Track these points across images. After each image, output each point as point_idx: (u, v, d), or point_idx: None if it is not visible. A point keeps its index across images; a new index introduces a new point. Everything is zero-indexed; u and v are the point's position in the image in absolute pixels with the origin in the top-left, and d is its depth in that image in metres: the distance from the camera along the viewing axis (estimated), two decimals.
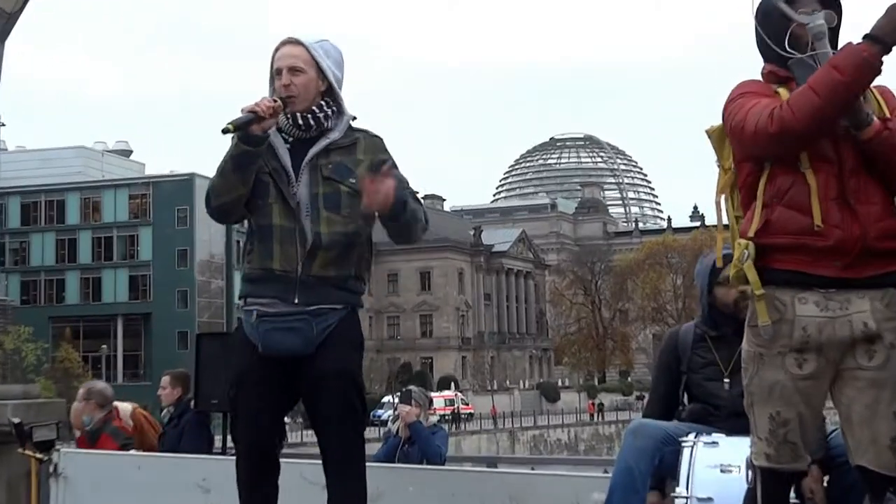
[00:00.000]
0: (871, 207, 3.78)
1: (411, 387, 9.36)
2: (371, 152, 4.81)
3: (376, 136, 4.91)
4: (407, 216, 4.71)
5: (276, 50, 4.81)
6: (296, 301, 4.66)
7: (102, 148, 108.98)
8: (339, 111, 4.84)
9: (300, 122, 4.76)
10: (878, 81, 3.80)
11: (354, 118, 4.88)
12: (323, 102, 4.80)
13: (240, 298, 4.88)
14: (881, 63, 3.69)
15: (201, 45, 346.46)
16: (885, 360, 3.74)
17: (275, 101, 4.66)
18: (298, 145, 4.78)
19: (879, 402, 3.74)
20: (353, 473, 4.76)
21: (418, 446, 8.76)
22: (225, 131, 4.53)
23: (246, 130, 4.58)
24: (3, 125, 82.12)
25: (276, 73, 4.78)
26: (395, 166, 4.81)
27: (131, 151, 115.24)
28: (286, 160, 4.76)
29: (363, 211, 4.66)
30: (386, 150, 4.88)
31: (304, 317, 4.66)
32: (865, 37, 3.71)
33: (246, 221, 4.90)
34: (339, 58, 4.91)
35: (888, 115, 3.85)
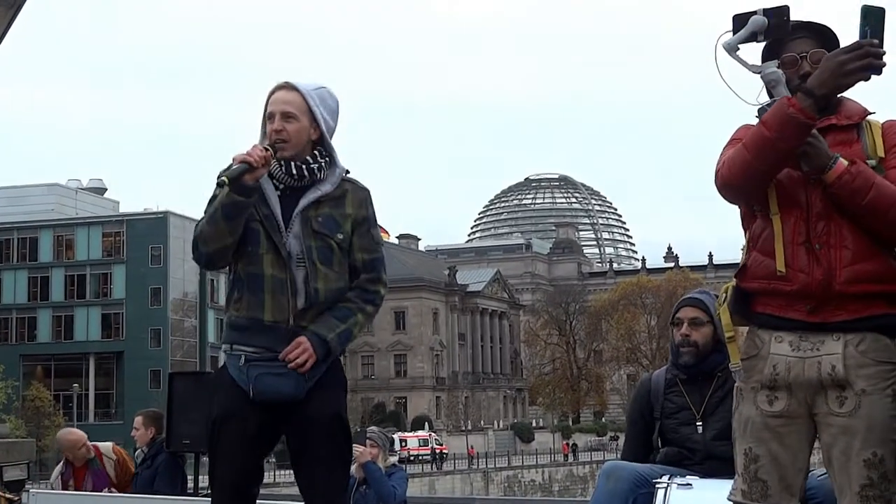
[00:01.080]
0: (842, 251, 3.77)
1: (372, 427, 9.27)
2: (356, 206, 4.78)
3: (363, 189, 4.86)
4: (333, 353, 4.71)
5: (271, 94, 4.76)
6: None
7: (76, 185, 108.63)
8: (332, 162, 4.80)
9: (294, 171, 4.70)
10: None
11: (348, 172, 4.83)
12: (316, 153, 4.75)
13: (224, 344, 4.83)
14: (811, 117, 3.70)
15: (178, 83, 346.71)
16: (855, 407, 3.73)
17: (266, 149, 4.60)
18: (289, 193, 4.73)
19: (851, 449, 3.73)
20: None
21: (373, 488, 8.69)
22: (220, 184, 4.50)
23: (239, 180, 4.53)
24: None
25: (268, 117, 4.73)
26: (373, 223, 4.84)
27: (105, 189, 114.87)
28: (276, 209, 4.71)
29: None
30: (370, 205, 4.85)
31: None
32: (799, 88, 3.74)
33: (229, 266, 4.87)
34: (335, 107, 4.86)
35: (882, 153, 3.84)
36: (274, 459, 48.54)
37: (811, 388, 3.79)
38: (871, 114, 3.94)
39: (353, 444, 8.84)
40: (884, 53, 3.70)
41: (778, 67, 3.89)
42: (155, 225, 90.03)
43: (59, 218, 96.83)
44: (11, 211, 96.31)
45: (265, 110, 4.76)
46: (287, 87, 4.76)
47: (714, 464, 5.23)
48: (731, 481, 4.85)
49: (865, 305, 3.75)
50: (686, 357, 5.39)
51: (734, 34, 3.87)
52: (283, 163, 4.70)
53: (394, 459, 9.06)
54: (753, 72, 3.90)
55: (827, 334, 3.78)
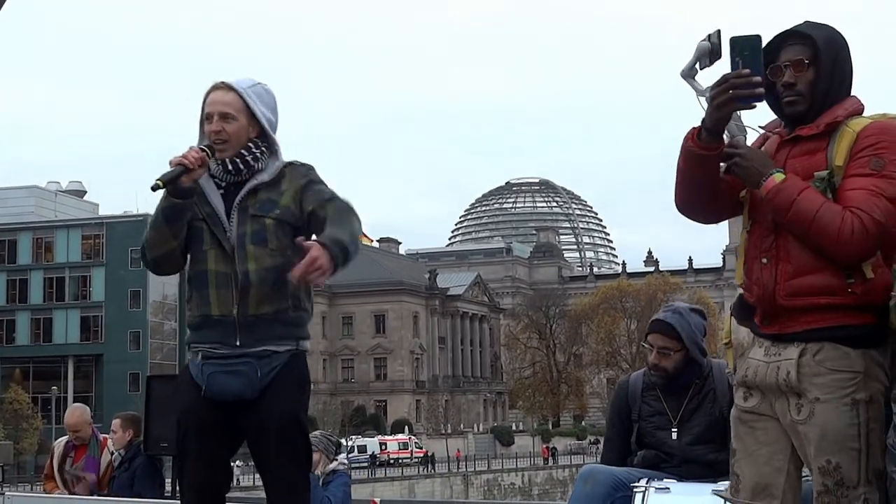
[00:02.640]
0: (784, 266, 3.82)
1: (315, 432, 9.15)
2: (294, 179, 4.76)
3: (303, 165, 4.85)
4: (351, 256, 4.57)
5: (207, 94, 4.77)
6: (237, 343, 4.63)
7: (56, 188, 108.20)
8: (272, 152, 4.80)
9: (230, 167, 4.71)
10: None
11: (289, 163, 4.82)
12: (251, 144, 4.74)
13: (186, 344, 4.86)
14: (705, 148, 3.83)
15: (159, 84, 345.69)
16: (809, 415, 3.76)
17: (202, 150, 4.63)
18: (231, 189, 4.75)
19: (808, 456, 3.79)
20: None
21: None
22: (155, 188, 4.52)
23: (175, 183, 4.56)
24: None
25: (206, 118, 4.74)
26: (317, 181, 4.77)
27: (85, 192, 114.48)
28: (219, 205, 4.73)
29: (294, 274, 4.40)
30: (313, 174, 4.81)
31: (248, 360, 4.63)
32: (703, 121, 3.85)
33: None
34: (273, 102, 4.87)
35: (841, 161, 3.79)
36: (252, 463, 48.39)
37: (773, 392, 3.86)
38: (856, 116, 3.87)
39: None
40: (759, 83, 3.75)
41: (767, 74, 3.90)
42: (135, 227, 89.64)
43: (39, 220, 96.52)
44: None
45: (202, 111, 4.77)
46: (224, 87, 4.77)
47: (691, 467, 5.25)
48: (708, 485, 4.88)
49: (820, 317, 3.77)
50: (655, 378, 5.42)
51: (731, 59, 3.86)
52: (219, 161, 4.71)
53: (334, 465, 8.93)
54: (699, 96, 3.94)
55: (790, 343, 3.82)
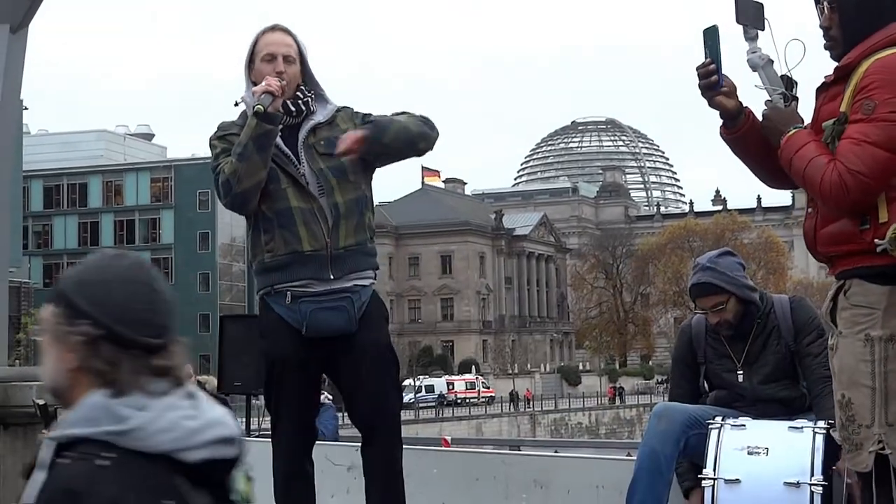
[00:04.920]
0: (819, 216, 3.85)
1: None
2: (349, 120, 4.91)
3: (347, 107, 5.01)
4: (392, 137, 4.81)
5: (264, 34, 4.90)
6: (331, 276, 4.71)
7: (124, 131, 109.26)
8: (322, 97, 4.95)
9: (291, 108, 4.85)
10: None
11: (341, 108, 4.98)
12: (304, 87, 4.91)
13: (263, 289, 4.88)
14: (728, 132, 4.01)
15: (224, 28, 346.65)
16: (834, 347, 3.80)
17: (280, 80, 4.74)
18: (286, 131, 4.85)
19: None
20: (394, 443, 4.87)
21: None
22: (257, 114, 4.63)
23: (265, 110, 4.67)
24: (27, 109, 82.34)
25: (265, 57, 4.84)
26: (374, 116, 4.93)
27: (153, 135, 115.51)
28: (283, 146, 4.82)
29: (352, 166, 4.80)
30: (362, 113, 4.97)
31: (345, 295, 4.73)
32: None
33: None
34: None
35: (847, 107, 3.70)
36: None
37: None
38: (882, 50, 3.70)
39: None
40: (712, 71, 3.90)
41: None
42: (202, 170, 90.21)
43: (108, 164, 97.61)
44: (61, 157, 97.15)
45: (255, 51, 4.89)
46: (282, 30, 4.93)
47: (765, 406, 5.21)
48: (784, 422, 4.84)
49: (847, 261, 3.75)
50: (726, 332, 5.34)
51: (736, 16, 3.93)
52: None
53: (321, 398, 9.03)
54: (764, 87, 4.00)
55: (837, 282, 3.84)
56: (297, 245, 4.73)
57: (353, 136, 4.68)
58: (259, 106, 4.61)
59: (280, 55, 4.82)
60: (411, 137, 4.85)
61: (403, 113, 4.93)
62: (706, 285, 5.29)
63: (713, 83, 3.92)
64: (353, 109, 4.98)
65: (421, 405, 74.21)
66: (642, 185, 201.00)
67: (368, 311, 4.80)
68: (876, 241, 3.58)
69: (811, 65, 3.93)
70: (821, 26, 3.85)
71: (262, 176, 4.72)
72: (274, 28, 4.91)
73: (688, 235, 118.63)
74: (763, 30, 3.95)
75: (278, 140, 4.79)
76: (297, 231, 4.72)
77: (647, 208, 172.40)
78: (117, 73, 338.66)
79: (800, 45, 3.87)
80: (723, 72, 3.94)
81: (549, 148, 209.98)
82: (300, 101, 4.86)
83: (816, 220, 3.83)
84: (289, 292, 4.74)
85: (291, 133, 4.85)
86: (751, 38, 3.98)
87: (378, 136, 4.74)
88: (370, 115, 4.93)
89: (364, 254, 4.83)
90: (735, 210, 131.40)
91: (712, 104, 3.97)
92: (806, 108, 3.90)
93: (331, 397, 9.19)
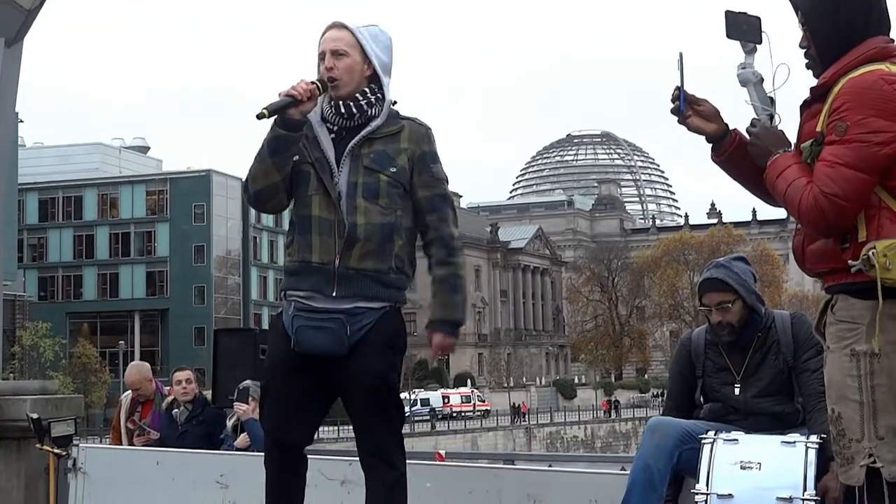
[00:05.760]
0: (803, 234, 3.87)
1: (247, 382, 9.20)
2: (414, 142, 4.69)
3: (422, 125, 4.78)
4: (463, 317, 5.01)
5: (322, 34, 4.71)
6: (334, 294, 4.57)
7: (120, 144, 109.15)
8: (383, 97, 4.71)
9: (342, 109, 4.65)
10: None
11: (395, 102, 4.75)
12: (367, 89, 4.67)
13: (281, 291, 4.82)
14: (715, 154, 4.04)
15: (220, 41, 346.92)
16: (824, 363, 3.82)
17: (312, 83, 4.56)
18: (343, 134, 4.68)
19: None
20: (385, 473, 4.70)
21: (254, 447, 8.68)
22: (260, 116, 4.46)
23: (283, 114, 4.51)
24: (22, 122, 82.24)
25: (320, 57, 4.68)
26: (432, 157, 4.75)
27: (148, 148, 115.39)
28: (329, 151, 4.65)
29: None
30: (430, 141, 4.76)
31: (338, 316, 4.58)
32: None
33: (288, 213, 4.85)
34: (388, 42, 4.77)
35: (823, 126, 3.72)
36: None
37: None
38: (859, 68, 3.70)
39: (236, 403, 8.93)
40: (675, 97, 3.98)
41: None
42: (198, 183, 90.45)
43: (104, 176, 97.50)
44: (56, 170, 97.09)
45: (318, 52, 4.71)
46: (337, 25, 4.71)
47: (758, 419, 5.22)
48: (777, 436, 4.85)
49: (833, 277, 3.78)
50: (726, 338, 5.34)
51: (727, 32, 3.94)
52: (333, 103, 4.66)
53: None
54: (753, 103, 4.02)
55: (827, 297, 3.87)
56: (307, 254, 4.62)
57: (442, 346, 4.83)
58: (263, 110, 4.45)
59: (328, 51, 4.63)
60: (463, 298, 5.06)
61: (437, 205, 4.81)
62: (716, 280, 5.30)
63: (674, 109, 3.97)
64: (427, 130, 4.78)
65: (416, 419, 74.10)
66: (637, 198, 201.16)
67: (369, 336, 4.59)
68: (850, 261, 3.61)
69: (806, 79, 3.93)
70: (800, 46, 3.87)
71: (275, 180, 4.62)
72: (329, 26, 4.72)
73: (683, 248, 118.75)
74: (760, 43, 3.95)
75: (326, 143, 4.66)
76: (311, 240, 4.62)
77: (642, 221, 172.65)
78: (113, 86, 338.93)
79: (786, 69, 3.90)
80: (685, 98, 3.97)
81: (544, 161, 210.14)
82: (352, 104, 4.65)
83: (804, 237, 3.84)
84: (294, 302, 4.68)
85: (348, 136, 4.66)
86: (748, 51, 3.98)
87: (457, 332, 4.97)
88: (434, 163, 4.75)
89: (381, 282, 4.65)
90: (730, 223, 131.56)
91: (688, 129, 4.00)
92: (791, 125, 3.93)
93: None
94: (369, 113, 4.67)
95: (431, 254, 4.77)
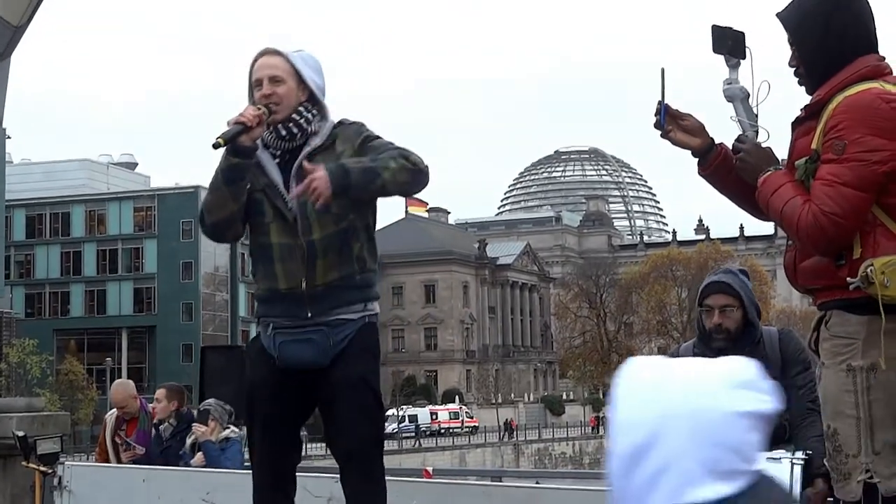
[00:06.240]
0: (798, 251, 3.91)
1: (209, 400, 9.26)
2: (348, 140, 4.70)
3: (353, 123, 4.79)
4: (368, 187, 4.52)
5: (255, 61, 4.73)
6: (308, 315, 4.60)
7: (107, 161, 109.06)
8: (323, 117, 4.75)
9: (283, 132, 4.67)
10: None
11: (339, 123, 4.76)
12: (301, 108, 4.69)
13: (255, 317, 4.86)
14: (701, 168, 4.07)
15: (208, 57, 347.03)
16: (819, 379, 3.86)
17: (258, 108, 4.58)
18: (287, 157, 4.70)
19: None
20: (373, 479, 4.69)
21: (208, 465, 8.75)
22: (216, 146, 4.47)
23: (234, 142, 4.52)
24: (9, 138, 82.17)
25: (255, 84, 4.69)
26: (373, 136, 4.72)
27: (136, 164, 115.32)
28: (275, 175, 4.68)
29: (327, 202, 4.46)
30: (365, 130, 4.75)
31: (320, 328, 4.60)
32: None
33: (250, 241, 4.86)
34: (318, 66, 4.81)
35: (818, 144, 3.75)
36: (305, 432, 48.76)
37: None
38: (852, 86, 3.74)
39: (194, 424, 9.00)
40: (657, 112, 4.01)
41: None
42: (186, 199, 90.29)
43: (91, 193, 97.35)
44: (44, 186, 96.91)
45: (250, 79, 4.73)
46: (270, 52, 4.75)
47: None
48: (762, 453, 4.83)
49: (827, 294, 3.81)
50: (719, 343, 5.34)
51: (713, 46, 3.97)
52: (272, 128, 4.67)
53: (227, 433, 9.07)
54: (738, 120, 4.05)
55: (820, 313, 3.89)
56: (273, 283, 4.66)
57: (315, 182, 4.38)
58: (218, 139, 4.45)
59: (265, 77, 4.66)
60: (401, 186, 4.60)
61: (394, 148, 4.64)
62: (725, 284, 5.33)
63: (656, 124, 4.00)
64: (358, 126, 4.77)
65: (404, 435, 74.00)
66: (625, 214, 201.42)
67: (350, 345, 4.63)
68: (848, 279, 3.62)
69: (792, 94, 3.96)
70: (790, 64, 3.89)
71: (233, 209, 4.64)
72: (261, 53, 4.75)
73: (671, 264, 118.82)
74: (744, 59, 3.97)
75: (272, 168, 4.68)
76: (275, 268, 4.65)
77: (630, 237, 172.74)
78: (101, 102, 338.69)
79: (767, 86, 3.94)
80: (665, 113, 4.00)
81: (532, 177, 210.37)
82: (292, 124, 4.67)
83: (796, 254, 3.87)
84: (271, 323, 4.71)
85: (292, 160, 4.67)
86: (732, 66, 4.00)
87: (338, 184, 4.42)
88: (376, 137, 4.71)
89: (349, 287, 4.65)
90: (718, 239, 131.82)
91: (672, 143, 4.02)
92: (781, 140, 3.94)
93: (237, 431, 9.21)
94: (308, 130, 4.70)
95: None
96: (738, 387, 1.92)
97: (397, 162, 4.55)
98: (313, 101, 4.74)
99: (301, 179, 4.53)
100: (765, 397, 1.95)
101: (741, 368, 1.97)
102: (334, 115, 4.84)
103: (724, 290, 5.33)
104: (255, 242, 4.74)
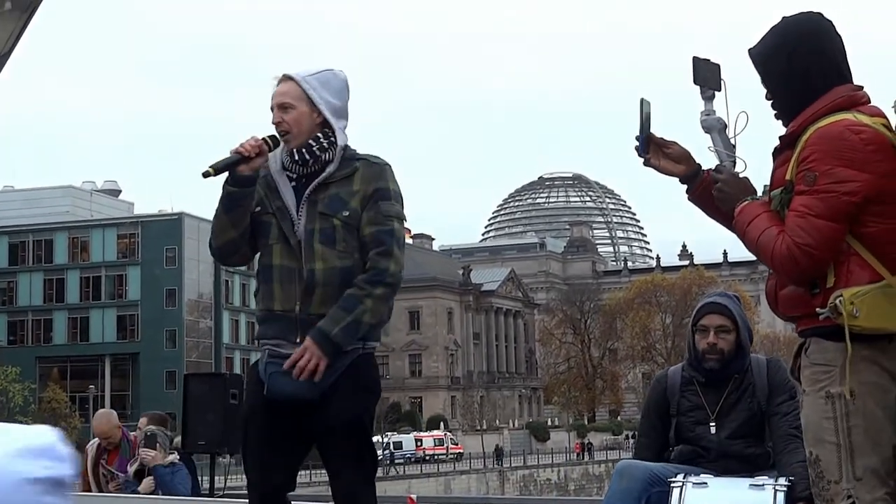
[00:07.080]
0: (775, 279, 3.96)
1: (150, 427, 9.39)
2: (367, 181, 4.69)
3: (377, 163, 4.77)
4: (354, 338, 4.61)
5: (274, 88, 4.78)
6: (298, 341, 4.58)
7: (91, 187, 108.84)
8: (336, 141, 4.73)
9: (297, 157, 4.69)
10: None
11: (346, 147, 4.75)
12: (320, 134, 4.70)
13: (255, 339, 4.93)
14: (690, 194, 4.13)
15: (194, 82, 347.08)
16: (801, 407, 3.88)
17: (262, 139, 4.63)
18: (303, 181, 4.72)
19: None
20: None
21: (161, 492, 8.85)
22: (205, 175, 4.52)
23: (232, 171, 4.58)
24: None
25: (272, 112, 4.75)
26: (385, 194, 4.70)
27: (120, 191, 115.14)
28: (289, 199, 4.70)
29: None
30: (385, 178, 4.73)
31: None
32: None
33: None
34: (339, 84, 4.79)
35: (792, 175, 3.79)
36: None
37: None
38: (825, 117, 3.78)
39: (142, 449, 9.16)
40: (638, 139, 4.09)
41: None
42: (170, 226, 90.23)
43: (74, 220, 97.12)
44: (27, 213, 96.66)
45: (270, 107, 4.78)
46: (283, 79, 4.77)
47: (728, 462, 5.24)
48: (746, 479, 4.86)
49: (805, 322, 3.84)
50: (711, 363, 5.36)
51: (693, 77, 4.02)
52: (289, 152, 4.71)
53: (172, 458, 9.19)
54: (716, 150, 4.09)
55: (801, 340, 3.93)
56: (270, 303, 4.69)
57: (306, 365, 4.48)
58: (209, 168, 4.52)
59: (276, 105, 4.71)
60: (380, 317, 4.72)
61: (382, 241, 4.62)
62: (722, 305, 5.39)
63: (636, 149, 4.07)
64: (380, 169, 4.73)
65: (388, 462, 73.74)
66: (609, 241, 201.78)
67: (342, 382, 4.60)
68: (818, 309, 3.68)
69: (770, 124, 4.00)
70: (766, 98, 3.96)
71: (232, 235, 4.70)
72: (277, 79, 4.78)
73: (655, 290, 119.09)
74: (720, 90, 4.02)
75: (286, 191, 4.70)
76: (273, 289, 4.68)
77: (614, 263, 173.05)
78: (84, 129, 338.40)
79: (745, 117, 3.99)
80: (644, 141, 4.08)
81: (516, 203, 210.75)
82: (305, 150, 4.67)
83: (776, 282, 3.92)
84: (267, 349, 4.73)
85: (306, 183, 4.70)
86: (707, 97, 4.05)
87: (328, 353, 4.51)
88: (384, 197, 4.66)
89: None
90: (702, 265, 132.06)
91: (657, 171, 4.09)
92: (762, 170, 3.99)
93: (177, 455, 9.28)
94: (323, 158, 4.70)
95: (359, 282, 4.61)
96: (30, 455, 1.98)
97: (373, 296, 4.60)
98: (328, 124, 4.74)
99: (312, 207, 4.64)
100: (59, 464, 2.02)
101: (36, 436, 2.04)
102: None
103: (720, 311, 5.38)
104: (260, 263, 4.80)
